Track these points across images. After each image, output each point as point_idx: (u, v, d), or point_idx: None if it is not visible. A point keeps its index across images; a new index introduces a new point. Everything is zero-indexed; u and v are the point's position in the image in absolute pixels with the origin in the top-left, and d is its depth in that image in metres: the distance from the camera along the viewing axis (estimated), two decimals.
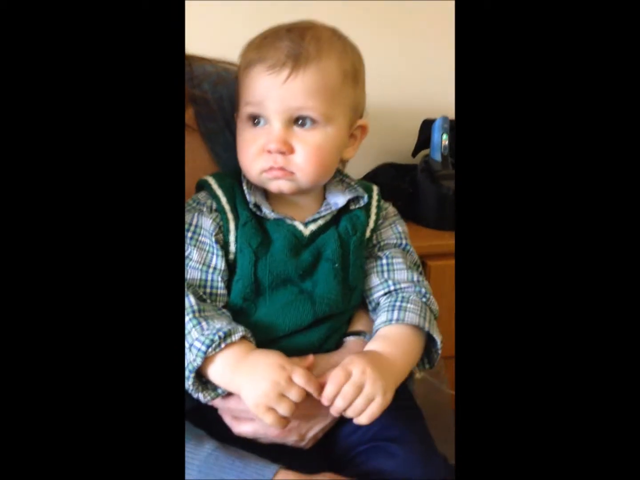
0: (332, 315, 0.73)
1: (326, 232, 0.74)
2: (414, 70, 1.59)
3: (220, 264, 0.70)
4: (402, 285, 0.76)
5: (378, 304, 0.76)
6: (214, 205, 0.72)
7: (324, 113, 0.68)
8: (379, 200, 0.80)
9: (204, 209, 0.72)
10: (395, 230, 0.80)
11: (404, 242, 0.80)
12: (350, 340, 0.75)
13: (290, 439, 0.69)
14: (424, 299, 0.74)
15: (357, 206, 0.77)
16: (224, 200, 0.72)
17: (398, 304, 0.73)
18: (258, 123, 0.70)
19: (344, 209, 0.76)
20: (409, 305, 0.72)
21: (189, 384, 0.64)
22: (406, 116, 1.55)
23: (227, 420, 0.70)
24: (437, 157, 1.38)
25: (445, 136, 1.37)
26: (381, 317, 0.73)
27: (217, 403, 0.69)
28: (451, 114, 1.09)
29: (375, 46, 1.29)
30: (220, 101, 0.87)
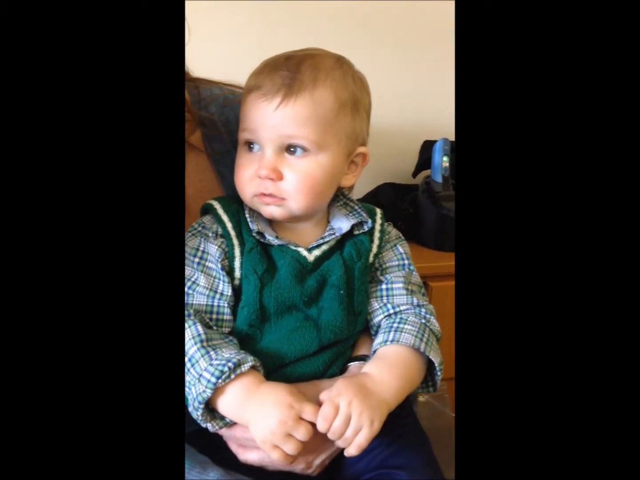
0: (337, 342, 0.73)
1: (331, 258, 0.74)
2: (415, 92, 1.60)
3: (227, 290, 0.70)
4: (402, 308, 0.76)
5: (379, 327, 0.76)
6: (220, 231, 0.72)
7: (315, 141, 0.69)
8: (382, 225, 0.80)
9: (210, 234, 0.72)
10: (397, 251, 0.80)
11: (406, 262, 0.80)
12: (354, 365, 0.75)
13: (298, 468, 0.69)
14: (423, 320, 0.74)
15: (361, 231, 0.77)
16: (229, 225, 0.72)
17: (395, 325, 0.73)
18: (253, 149, 0.72)
19: (348, 234, 0.76)
20: (406, 326, 0.72)
21: (198, 414, 0.64)
22: (406, 137, 1.56)
23: (233, 448, 0.69)
24: (438, 178, 1.39)
25: (445, 158, 1.38)
26: (378, 338, 0.73)
27: (223, 431, 0.68)
28: (451, 135, 1.10)
29: (376, 67, 1.30)
30: (227, 123, 0.88)
